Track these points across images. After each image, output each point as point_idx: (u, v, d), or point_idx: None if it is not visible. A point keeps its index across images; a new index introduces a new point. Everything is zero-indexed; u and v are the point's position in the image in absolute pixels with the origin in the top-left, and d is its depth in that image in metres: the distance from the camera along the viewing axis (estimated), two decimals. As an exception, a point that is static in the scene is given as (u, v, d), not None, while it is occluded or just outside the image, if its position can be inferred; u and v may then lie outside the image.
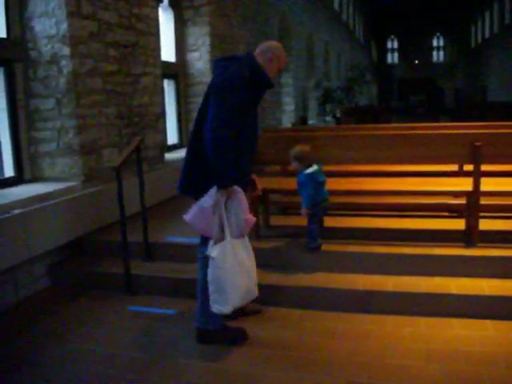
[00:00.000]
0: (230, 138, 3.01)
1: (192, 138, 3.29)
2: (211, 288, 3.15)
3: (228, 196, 3.12)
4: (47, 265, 4.50)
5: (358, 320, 3.67)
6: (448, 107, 36.98)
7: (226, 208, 3.13)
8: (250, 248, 3.26)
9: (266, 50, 3.30)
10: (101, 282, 4.42)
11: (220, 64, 3.27)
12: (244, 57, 3.29)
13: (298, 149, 4.20)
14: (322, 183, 4.21)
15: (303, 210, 4.16)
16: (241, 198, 3.18)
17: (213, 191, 3.11)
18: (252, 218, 3.29)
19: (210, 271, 3.13)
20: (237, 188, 3.15)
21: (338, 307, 3.81)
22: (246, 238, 3.25)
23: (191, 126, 3.39)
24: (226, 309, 3.15)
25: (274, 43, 3.39)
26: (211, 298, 3.16)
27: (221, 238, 3.13)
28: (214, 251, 3.10)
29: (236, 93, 3.05)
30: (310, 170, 4.14)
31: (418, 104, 40.06)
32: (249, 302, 3.36)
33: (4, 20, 4.59)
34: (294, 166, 4.25)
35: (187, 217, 3.21)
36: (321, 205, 4.23)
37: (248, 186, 3.46)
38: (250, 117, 3.24)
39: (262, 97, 3.34)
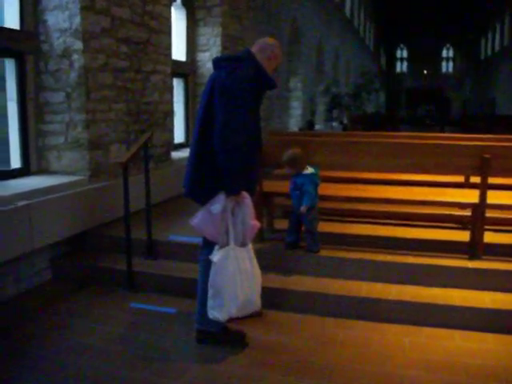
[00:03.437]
0: (242, 143, 2.96)
1: (197, 140, 3.15)
2: (210, 293, 3.12)
3: (237, 202, 3.10)
4: (50, 258, 4.50)
5: (359, 327, 3.66)
6: (455, 118, 36.92)
7: (232, 214, 3.09)
8: (255, 259, 3.22)
9: (266, 47, 3.21)
10: (102, 278, 4.42)
11: (223, 64, 3.15)
12: (245, 56, 3.17)
13: (290, 153, 4.17)
14: (317, 186, 4.24)
15: (303, 208, 4.13)
16: (248, 203, 3.15)
17: (222, 196, 3.06)
18: (257, 224, 3.26)
19: (210, 276, 3.11)
20: (245, 193, 3.13)
21: (339, 313, 3.80)
22: (251, 247, 3.21)
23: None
24: (221, 316, 3.12)
25: (271, 41, 3.28)
26: (208, 303, 3.13)
27: (226, 244, 3.10)
28: (215, 256, 3.08)
29: (247, 98, 3.01)
30: (309, 172, 4.15)
31: (426, 114, 39.97)
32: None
33: (18, 12, 4.59)
34: (286, 170, 4.25)
35: (194, 221, 3.16)
36: (316, 208, 4.24)
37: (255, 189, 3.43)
38: (255, 118, 3.20)
39: (263, 98, 3.29)
